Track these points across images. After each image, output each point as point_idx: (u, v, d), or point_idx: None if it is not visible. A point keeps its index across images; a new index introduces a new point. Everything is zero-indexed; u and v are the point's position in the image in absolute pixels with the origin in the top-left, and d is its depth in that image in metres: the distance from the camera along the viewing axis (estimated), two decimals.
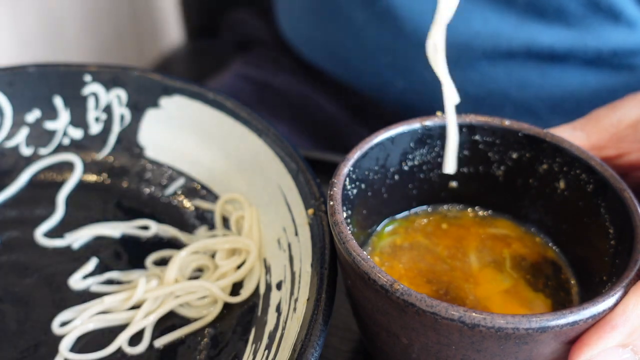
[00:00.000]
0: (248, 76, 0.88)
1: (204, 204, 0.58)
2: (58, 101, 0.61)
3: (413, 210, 0.50)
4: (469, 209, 0.50)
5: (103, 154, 0.61)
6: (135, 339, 0.49)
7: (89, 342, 0.49)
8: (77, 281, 0.52)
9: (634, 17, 0.67)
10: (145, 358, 0.48)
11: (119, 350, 0.48)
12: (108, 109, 0.61)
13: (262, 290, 0.50)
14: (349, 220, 0.44)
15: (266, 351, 0.44)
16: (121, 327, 0.49)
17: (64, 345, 0.48)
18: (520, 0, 0.68)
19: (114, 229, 0.57)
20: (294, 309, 0.45)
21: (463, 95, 0.46)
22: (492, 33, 0.69)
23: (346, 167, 0.44)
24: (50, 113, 0.61)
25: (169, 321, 0.50)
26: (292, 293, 0.46)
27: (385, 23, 0.74)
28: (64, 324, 0.49)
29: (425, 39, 0.74)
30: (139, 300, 0.50)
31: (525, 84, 0.72)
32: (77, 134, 0.62)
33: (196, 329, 0.49)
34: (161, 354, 0.48)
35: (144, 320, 0.49)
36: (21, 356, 0.48)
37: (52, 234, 0.56)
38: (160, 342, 0.49)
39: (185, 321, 0.50)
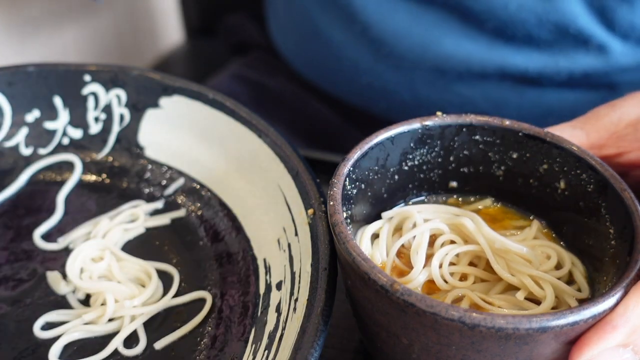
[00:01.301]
0: (244, 77, 0.88)
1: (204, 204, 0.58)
2: (57, 101, 0.61)
3: None
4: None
5: (103, 154, 0.61)
6: (134, 340, 0.49)
7: (82, 347, 0.48)
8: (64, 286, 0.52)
9: (604, 42, 0.67)
10: (145, 358, 0.48)
11: (116, 352, 0.48)
12: (108, 109, 0.61)
13: (262, 290, 0.50)
14: (349, 220, 0.44)
15: (266, 351, 0.44)
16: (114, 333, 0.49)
17: (53, 353, 0.47)
18: (489, 25, 0.68)
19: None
20: (294, 309, 0.45)
21: None
22: (464, 56, 0.69)
23: (346, 167, 0.44)
24: (50, 113, 0.61)
25: (168, 321, 0.50)
26: (292, 293, 0.46)
27: (363, 44, 0.73)
28: (49, 326, 0.49)
29: (402, 61, 0.75)
30: (114, 315, 0.50)
31: (503, 104, 0.72)
32: (76, 133, 0.62)
33: (196, 328, 0.49)
34: (161, 354, 0.48)
35: (133, 324, 0.49)
36: (20, 357, 0.47)
37: (51, 234, 0.56)
38: (159, 343, 0.49)
39: (185, 321, 0.50)
